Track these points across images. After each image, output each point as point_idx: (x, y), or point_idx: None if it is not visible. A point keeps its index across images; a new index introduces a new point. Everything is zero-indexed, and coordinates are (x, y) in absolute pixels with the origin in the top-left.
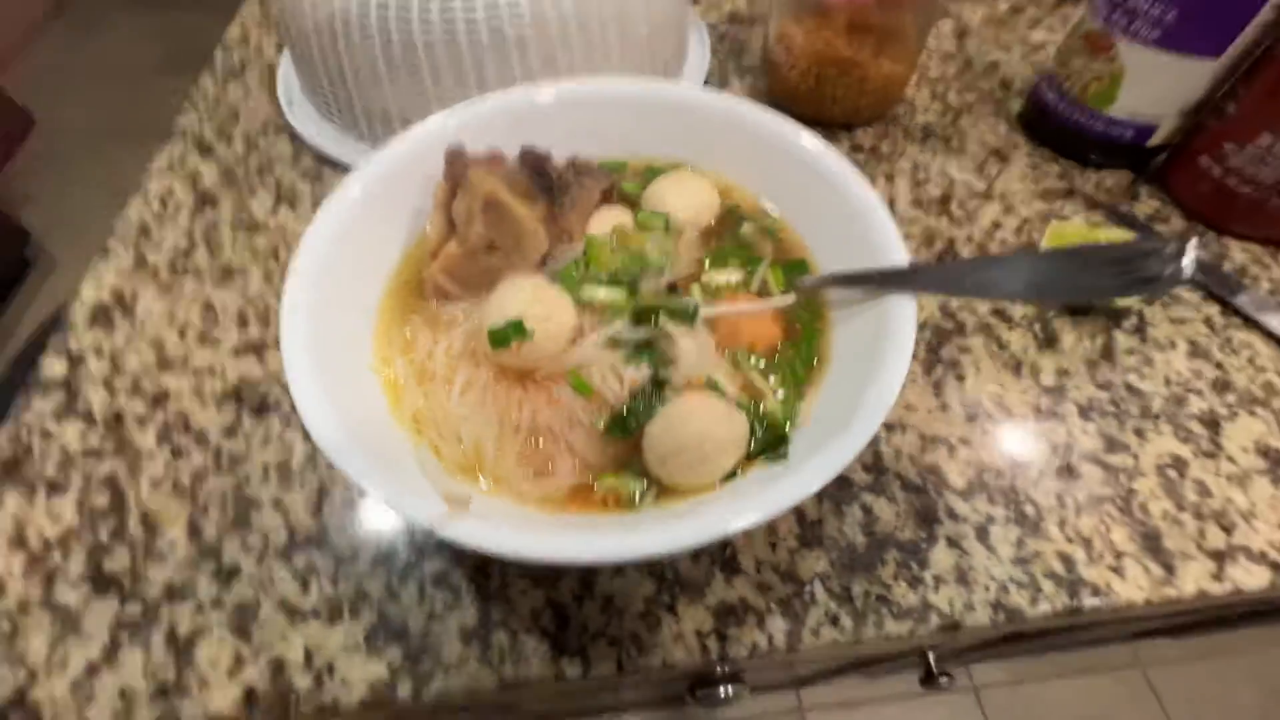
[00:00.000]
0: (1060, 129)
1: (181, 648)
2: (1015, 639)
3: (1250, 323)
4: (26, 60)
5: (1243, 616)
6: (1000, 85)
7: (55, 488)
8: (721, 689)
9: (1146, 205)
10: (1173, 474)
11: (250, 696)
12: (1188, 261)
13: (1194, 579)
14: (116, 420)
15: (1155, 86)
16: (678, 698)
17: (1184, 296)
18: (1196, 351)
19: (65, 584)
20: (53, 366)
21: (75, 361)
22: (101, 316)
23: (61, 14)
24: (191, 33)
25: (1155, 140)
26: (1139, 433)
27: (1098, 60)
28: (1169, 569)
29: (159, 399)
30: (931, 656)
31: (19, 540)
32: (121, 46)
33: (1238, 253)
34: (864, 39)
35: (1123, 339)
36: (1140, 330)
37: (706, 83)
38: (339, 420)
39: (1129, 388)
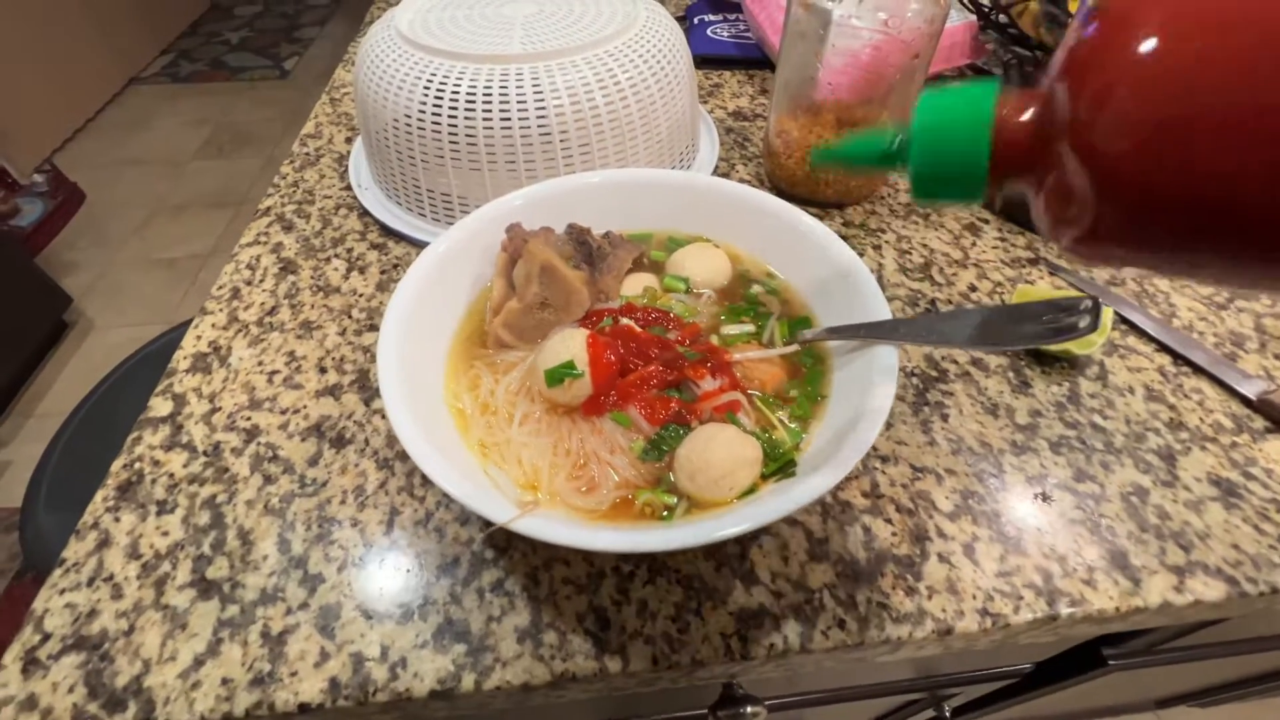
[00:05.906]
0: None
1: (274, 644)
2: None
3: (1199, 371)
4: (82, 143)
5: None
6: None
7: (164, 507)
8: (744, 709)
9: (1103, 272)
10: (1135, 500)
11: (334, 685)
12: (1102, 316)
13: (1158, 591)
14: (215, 451)
15: None
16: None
17: (1139, 349)
18: (1152, 395)
19: (174, 589)
20: (160, 406)
21: (179, 401)
22: (200, 364)
23: (117, 102)
24: (229, 121)
25: None
26: (1104, 465)
27: None
28: (1135, 582)
29: (251, 433)
30: (947, 708)
31: (134, 552)
32: (168, 134)
33: (1184, 311)
34: (850, 132)
35: (1086, 385)
36: (1102, 378)
37: (716, 169)
38: (426, 440)
39: (1094, 426)
